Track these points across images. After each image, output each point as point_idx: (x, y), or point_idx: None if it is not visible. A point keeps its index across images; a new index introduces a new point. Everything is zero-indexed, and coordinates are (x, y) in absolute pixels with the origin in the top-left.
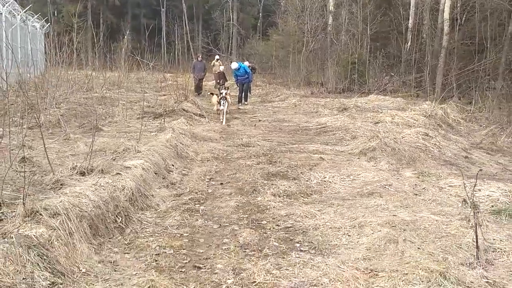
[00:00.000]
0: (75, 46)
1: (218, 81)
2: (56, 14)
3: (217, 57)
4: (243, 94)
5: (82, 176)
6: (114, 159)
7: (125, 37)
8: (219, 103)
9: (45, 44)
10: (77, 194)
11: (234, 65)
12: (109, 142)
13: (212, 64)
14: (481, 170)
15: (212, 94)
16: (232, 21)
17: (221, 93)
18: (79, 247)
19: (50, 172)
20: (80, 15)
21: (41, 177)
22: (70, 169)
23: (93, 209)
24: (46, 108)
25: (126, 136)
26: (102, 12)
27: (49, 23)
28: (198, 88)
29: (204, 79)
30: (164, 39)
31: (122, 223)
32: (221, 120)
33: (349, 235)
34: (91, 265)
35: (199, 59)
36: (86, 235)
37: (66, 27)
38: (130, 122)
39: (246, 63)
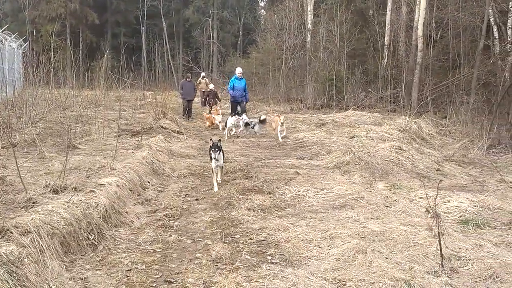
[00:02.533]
0: (52, 65)
1: (209, 101)
2: (35, 34)
3: (203, 74)
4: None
5: (55, 194)
6: (88, 177)
7: (105, 55)
8: (211, 157)
9: (22, 63)
10: (49, 212)
11: (239, 70)
12: (84, 160)
13: (198, 82)
14: (441, 181)
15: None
16: (213, 39)
17: (214, 143)
18: (50, 264)
19: (23, 190)
20: (59, 34)
21: (14, 196)
22: (43, 187)
23: (65, 226)
24: (22, 127)
25: (102, 154)
26: (82, 31)
27: (27, 43)
28: (188, 111)
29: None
30: (145, 58)
31: (94, 240)
32: (216, 180)
33: (319, 247)
34: (61, 282)
35: (188, 79)
36: (57, 252)
37: (44, 46)
38: (107, 140)
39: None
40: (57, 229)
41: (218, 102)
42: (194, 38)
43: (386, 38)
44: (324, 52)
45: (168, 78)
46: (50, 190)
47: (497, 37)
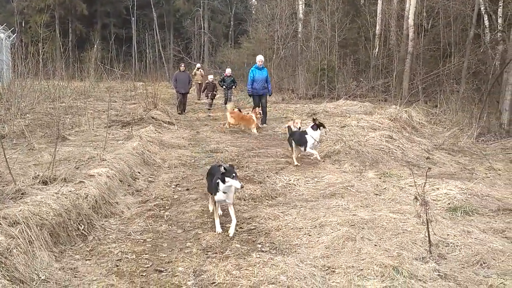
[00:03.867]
0: (41, 56)
1: (208, 93)
2: (23, 25)
3: (198, 65)
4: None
5: (45, 185)
6: (77, 168)
7: (95, 46)
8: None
9: (11, 55)
10: (38, 203)
11: (260, 57)
12: (74, 151)
13: (193, 73)
14: (430, 169)
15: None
16: (204, 29)
17: (229, 169)
18: (39, 254)
19: (12, 182)
20: (48, 25)
21: (2, 187)
22: (32, 178)
23: (54, 217)
24: (10, 119)
25: (92, 145)
26: (71, 22)
27: (15, 34)
28: (182, 105)
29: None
30: (135, 48)
31: (84, 231)
32: (219, 219)
33: (309, 235)
34: (51, 272)
35: (182, 69)
36: (46, 243)
37: (33, 37)
38: (97, 131)
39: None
40: (46, 220)
41: (216, 94)
42: (185, 28)
43: (377, 28)
44: (316, 41)
45: (159, 68)
46: (39, 181)
47: (487, 25)
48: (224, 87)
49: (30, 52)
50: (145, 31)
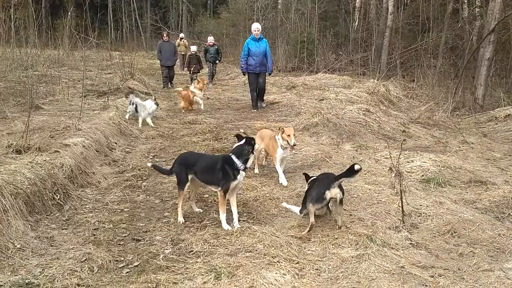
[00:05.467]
0: (13, 22)
1: (191, 67)
2: None
3: (181, 35)
4: (257, 91)
5: (19, 154)
6: (52, 137)
7: (69, 13)
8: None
9: None
10: (12, 172)
11: (257, 26)
12: (48, 120)
13: (177, 44)
14: (404, 140)
15: None
16: None
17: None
18: (14, 223)
19: None
20: None
21: None
22: (6, 147)
23: (29, 186)
24: None
25: (67, 115)
26: None
27: None
28: (169, 79)
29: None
30: (111, 16)
31: (60, 200)
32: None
33: None
34: (26, 241)
35: (165, 38)
36: (21, 212)
37: (4, 3)
38: (72, 100)
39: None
40: (21, 189)
41: (201, 68)
42: None
43: (357, 1)
44: (296, 13)
45: (136, 38)
46: (13, 150)
47: (465, 1)
48: (208, 60)
49: (1, 19)
50: None
